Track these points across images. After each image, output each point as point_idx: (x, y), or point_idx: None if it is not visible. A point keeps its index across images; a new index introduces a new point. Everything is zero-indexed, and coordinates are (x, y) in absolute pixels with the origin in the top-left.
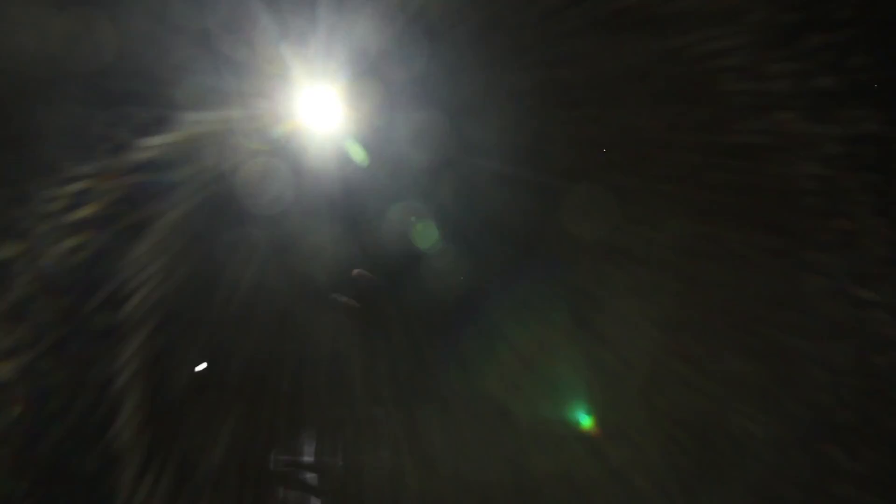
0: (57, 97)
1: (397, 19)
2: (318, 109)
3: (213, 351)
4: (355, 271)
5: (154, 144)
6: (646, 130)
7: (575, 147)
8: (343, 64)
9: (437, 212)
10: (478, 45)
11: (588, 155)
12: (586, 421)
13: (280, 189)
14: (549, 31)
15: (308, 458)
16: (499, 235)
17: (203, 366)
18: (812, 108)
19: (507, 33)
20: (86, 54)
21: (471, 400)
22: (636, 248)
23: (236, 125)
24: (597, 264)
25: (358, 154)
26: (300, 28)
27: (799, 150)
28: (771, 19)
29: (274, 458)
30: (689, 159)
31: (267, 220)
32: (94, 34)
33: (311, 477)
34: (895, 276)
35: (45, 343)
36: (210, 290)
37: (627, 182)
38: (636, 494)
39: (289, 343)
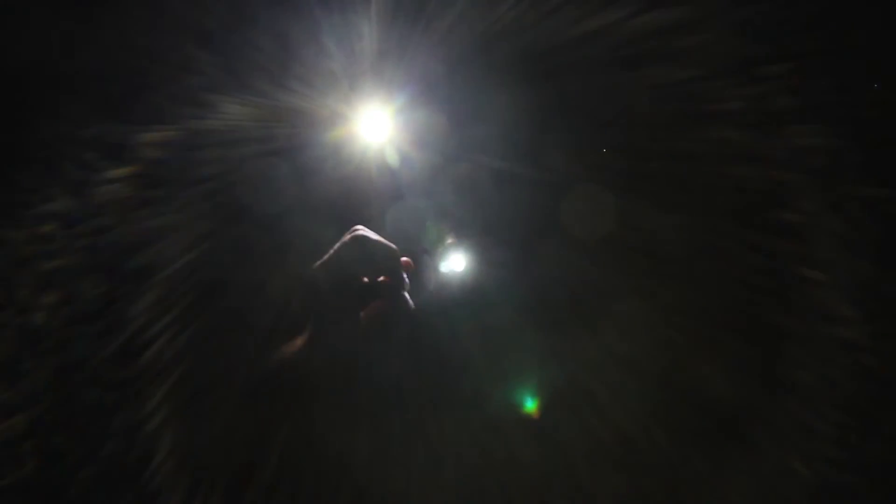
0: (28, 114)
1: (403, 20)
2: (324, 110)
3: (248, 381)
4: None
5: (133, 172)
6: (627, 142)
7: (572, 150)
8: (347, 64)
9: (440, 211)
10: (485, 52)
11: (584, 157)
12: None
13: (286, 191)
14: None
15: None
16: (499, 234)
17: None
18: (766, 123)
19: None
20: (64, 60)
21: (472, 401)
22: (626, 241)
23: (237, 127)
24: (589, 252)
25: (363, 154)
26: (300, 27)
27: (756, 157)
28: (733, 52)
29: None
30: (658, 165)
31: (274, 225)
32: (74, 38)
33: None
34: (841, 261)
35: (53, 396)
36: (235, 320)
37: (616, 183)
38: (635, 454)
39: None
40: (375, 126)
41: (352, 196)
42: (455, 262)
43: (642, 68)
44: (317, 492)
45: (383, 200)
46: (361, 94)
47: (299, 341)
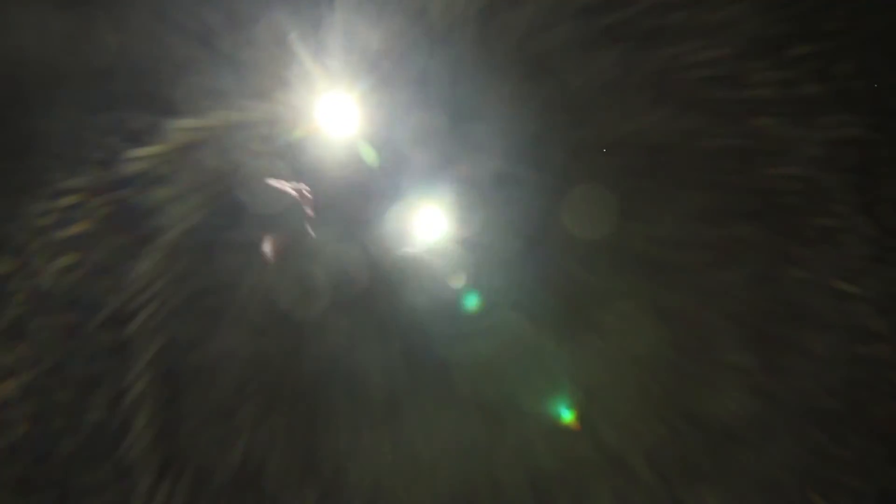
0: (49, 102)
1: (400, 19)
2: (321, 110)
3: (225, 359)
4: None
5: (150, 153)
6: (638, 134)
7: (574, 149)
8: (345, 64)
9: (439, 213)
10: (480, 49)
11: (586, 156)
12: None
13: (283, 191)
14: (545, 43)
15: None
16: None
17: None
18: (796, 113)
19: (507, 40)
20: (82, 55)
21: (470, 400)
22: (632, 245)
23: (238, 127)
24: (594, 259)
25: (361, 153)
26: (300, 27)
27: (783, 153)
28: (757, 31)
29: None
30: (679, 161)
31: (270, 222)
32: (90, 34)
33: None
34: (877, 271)
35: (48, 361)
36: (218, 300)
37: (623, 182)
38: (635, 480)
39: (297, 345)
40: (370, 124)
41: (348, 192)
42: (454, 264)
43: (655, 47)
44: (284, 481)
45: (380, 198)
46: (355, 93)
47: None
